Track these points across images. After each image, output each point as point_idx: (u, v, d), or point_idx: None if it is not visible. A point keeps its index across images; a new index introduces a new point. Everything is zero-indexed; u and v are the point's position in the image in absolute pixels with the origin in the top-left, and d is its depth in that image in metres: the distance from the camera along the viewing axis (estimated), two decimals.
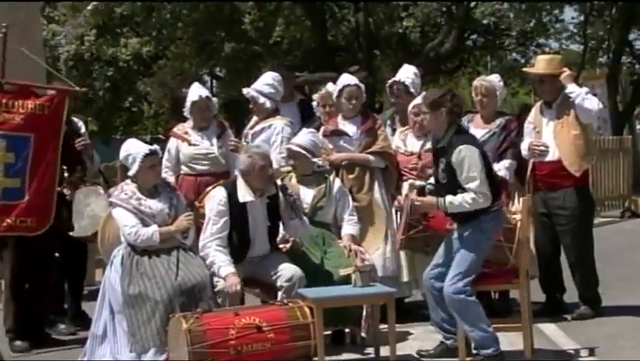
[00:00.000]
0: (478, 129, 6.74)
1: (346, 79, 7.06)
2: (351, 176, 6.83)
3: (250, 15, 18.74)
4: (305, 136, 6.57)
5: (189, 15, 19.20)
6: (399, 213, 6.63)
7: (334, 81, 7.31)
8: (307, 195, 6.44)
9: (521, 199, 5.85)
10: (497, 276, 5.73)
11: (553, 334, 6.37)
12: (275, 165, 6.72)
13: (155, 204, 5.95)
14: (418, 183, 6.54)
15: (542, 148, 6.80)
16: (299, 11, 19.93)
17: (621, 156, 15.10)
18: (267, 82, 7.13)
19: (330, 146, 6.89)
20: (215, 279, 5.80)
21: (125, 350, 5.66)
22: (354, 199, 6.66)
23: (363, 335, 6.17)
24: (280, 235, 6.28)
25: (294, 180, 6.49)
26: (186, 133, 7.05)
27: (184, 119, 7.22)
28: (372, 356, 5.84)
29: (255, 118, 7.23)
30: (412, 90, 7.15)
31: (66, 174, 6.77)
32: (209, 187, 6.45)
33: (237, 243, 5.98)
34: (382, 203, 6.82)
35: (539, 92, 7.22)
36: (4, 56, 6.53)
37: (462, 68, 25.00)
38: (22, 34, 7.99)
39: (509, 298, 6.84)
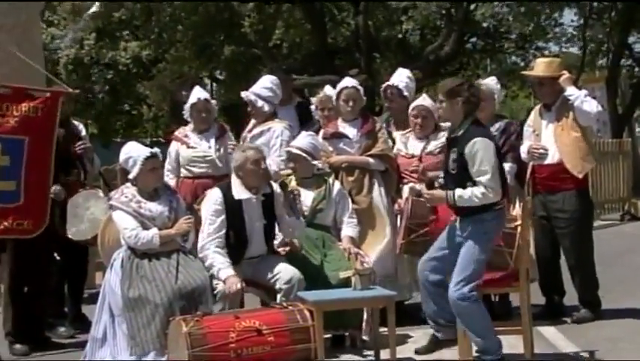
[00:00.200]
0: None
1: (345, 81, 7.08)
2: (350, 178, 6.83)
3: (250, 18, 18.75)
4: (304, 139, 6.59)
5: (189, 18, 19.20)
6: (399, 217, 6.65)
7: (333, 84, 7.31)
8: (307, 198, 6.46)
9: (520, 204, 5.84)
10: (497, 279, 5.70)
11: (553, 337, 6.36)
12: (275, 168, 6.75)
13: (155, 207, 5.96)
14: (419, 186, 6.53)
15: (542, 151, 6.81)
16: (298, 14, 19.93)
17: (621, 159, 15.11)
18: (265, 85, 7.14)
19: (330, 148, 6.90)
20: (215, 281, 5.81)
21: (125, 353, 5.66)
22: (353, 202, 6.67)
23: (365, 338, 6.17)
24: (280, 239, 6.30)
25: (293, 183, 6.50)
26: (186, 136, 7.08)
27: (184, 123, 7.24)
28: (372, 359, 5.83)
29: (252, 121, 7.24)
30: (406, 94, 7.15)
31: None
32: (207, 191, 6.45)
33: (234, 242, 5.99)
34: (382, 205, 6.81)
35: (539, 94, 7.22)
36: None
37: (462, 71, 24.98)
38: (22, 37, 8.02)
39: (509, 301, 6.84)
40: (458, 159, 5.38)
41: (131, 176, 6.01)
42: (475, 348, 5.53)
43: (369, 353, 5.96)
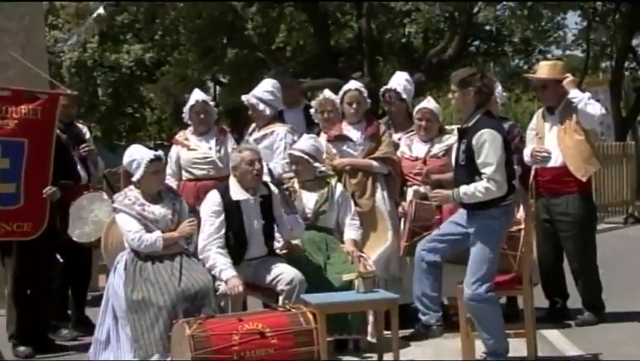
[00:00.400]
0: None
1: (349, 84, 7.10)
2: (353, 181, 6.83)
3: (253, 21, 18.77)
4: (307, 141, 6.59)
5: (192, 21, 19.21)
6: (403, 220, 6.65)
7: (333, 88, 7.31)
8: (310, 200, 6.46)
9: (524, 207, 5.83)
10: (501, 282, 5.69)
11: (557, 340, 6.36)
12: (280, 171, 6.76)
13: (158, 210, 5.96)
14: (423, 189, 6.53)
15: (545, 154, 6.80)
16: (302, 17, 19.94)
17: (624, 162, 15.11)
18: (266, 89, 7.14)
19: (334, 151, 6.90)
20: (217, 282, 5.81)
21: (128, 355, 5.66)
22: (356, 204, 6.67)
23: (372, 340, 6.13)
24: (281, 242, 6.29)
25: (296, 186, 6.51)
26: (186, 139, 7.09)
27: (187, 126, 7.24)
28: None
29: (253, 124, 7.24)
30: (405, 97, 7.16)
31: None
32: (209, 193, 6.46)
33: (234, 243, 5.99)
34: (384, 209, 6.81)
35: (542, 97, 7.21)
36: None
37: None
38: (26, 40, 8.04)
39: (517, 304, 6.81)
40: (467, 150, 5.32)
41: (134, 178, 6.01)
42: (483, 348, 5.51)
43: (372, 355, 5.95)
